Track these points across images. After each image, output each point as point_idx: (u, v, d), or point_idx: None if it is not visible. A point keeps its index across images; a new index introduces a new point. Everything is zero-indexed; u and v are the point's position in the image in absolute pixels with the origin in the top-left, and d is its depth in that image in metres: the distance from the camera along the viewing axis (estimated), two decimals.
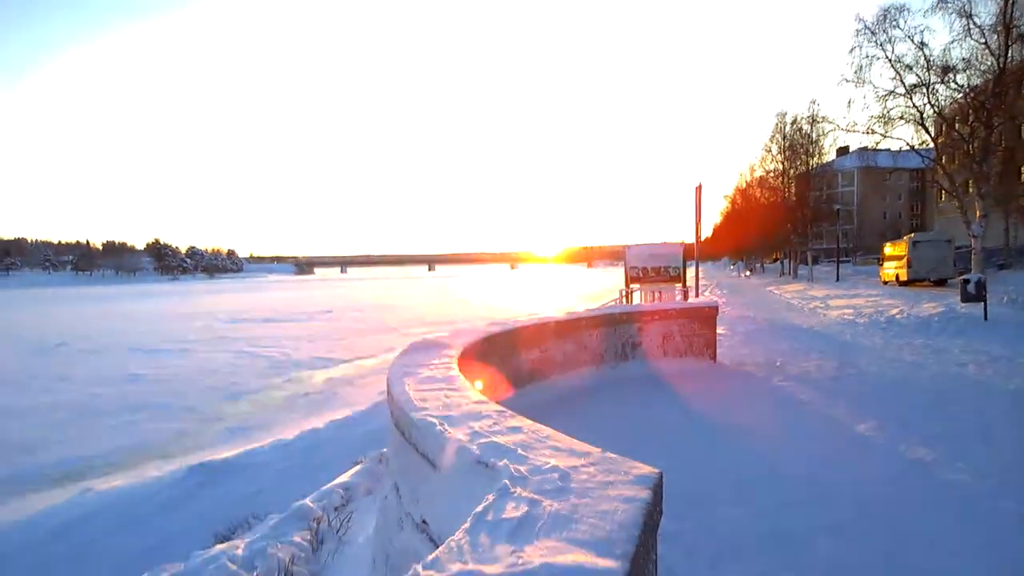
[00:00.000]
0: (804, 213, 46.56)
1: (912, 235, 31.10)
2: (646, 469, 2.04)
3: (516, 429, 2.59)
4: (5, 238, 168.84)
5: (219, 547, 4.58)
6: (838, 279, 39.54)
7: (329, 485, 5.46)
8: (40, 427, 11.83)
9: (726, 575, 3.45)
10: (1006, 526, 3.98)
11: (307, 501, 4.87)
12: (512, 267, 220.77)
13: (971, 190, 24.23)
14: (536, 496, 1.84)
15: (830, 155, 49.38)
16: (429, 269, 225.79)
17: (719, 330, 11.30)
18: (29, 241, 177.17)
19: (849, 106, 27.03)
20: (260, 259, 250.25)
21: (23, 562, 5.97)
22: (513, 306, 41.11)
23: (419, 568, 1.41)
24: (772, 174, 51.53)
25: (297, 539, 4.09)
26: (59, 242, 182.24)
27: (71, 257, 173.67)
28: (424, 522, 2.62)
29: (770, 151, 50.80)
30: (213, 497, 7.08)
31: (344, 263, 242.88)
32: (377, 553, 3.51)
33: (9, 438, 10.99)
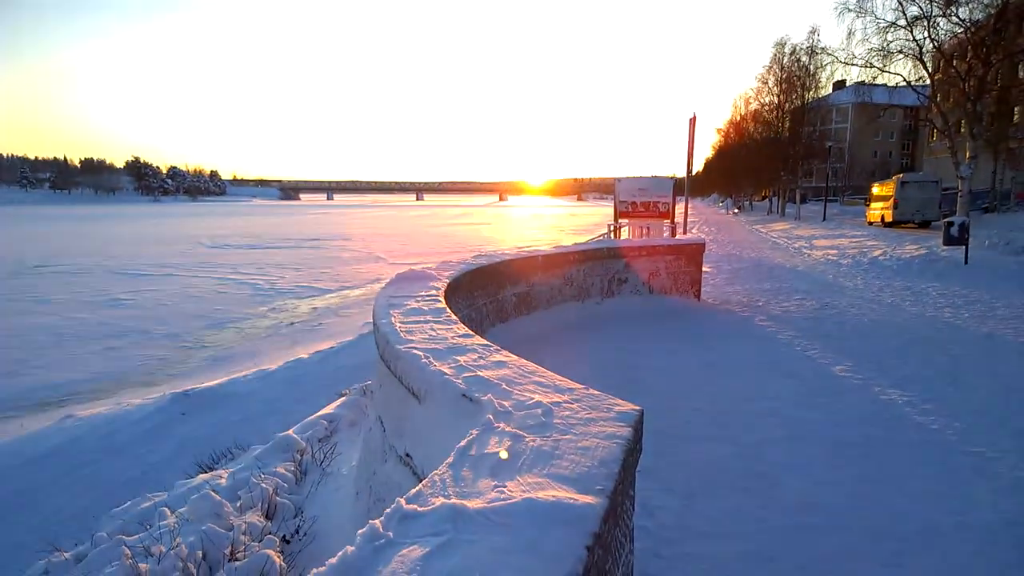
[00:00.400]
0: (796, 149, 46.21)
1: (901, 175, 31.04)
2: (627, 406, 2.06)
3: (501, 364, 2.60)
4: None
5: (202, 477, 4.64)
6: (824, 219, 39.65)
7: (313, 416, 5.51)
8: (19, 350, 11.77)
9: (699, 511, 3.54)
10: (969, 468, 4.11)
11: (291, 432, 4.91)
12: (501, 198, 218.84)
13: (963, 130, 24.09)
14: (519, 431, 1.85)
15: (827, 89, 48.67)
16: (417, 198, 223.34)
17: (704, 268, 11.35)
18: (5, 156, 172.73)
19: (849, 37, 26.38)
20: (244, 182, 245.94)
21: (3, 488, 6.02)
22: (501, 237, 41.00)
23: (402, 501, 1.42)
24: (767, 107, 50.83)
25: (280, 470, 4.14)
26: (36, 158, 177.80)
27: (48, 174, 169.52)
28: (408, 455, 2.65)
29: (766, 83, 49.91)
30: (196, 426, 7.12)
31: (331, 189, 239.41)
32: (360, 485, 3.57)
33: None
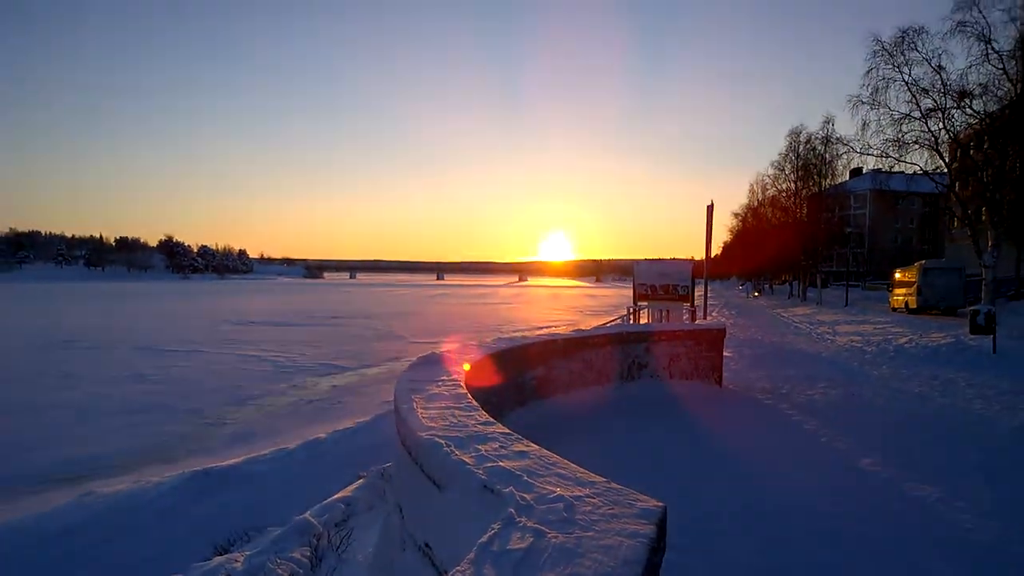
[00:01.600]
0: (815, 234, 46.39)
1: (923, 262, 30.94)
2: (650, 503, 2.05)
3: (522, 454, 2.60)
4: (20, 231, 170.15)
5: (218, 559, 4.58)
6: (847, 303, 39.35)
7: (330, 499, 5.46)
8: (43, 426, 11.87)
9: None
10: (1010, 570, 3.95)
11: (308, 515, 4.87)
12: (520, 278, 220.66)
13: (984, 218, 24.10)
14: (541, 527, 1.85)
15: (844, 176, 49.19)
16: (438, 278, 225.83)
17: (725, 352, 11.27)
18: (43, 234, 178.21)
19: (864, 128, 26.74)
20: (270, 260, 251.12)
21: (18, 567, 5.97)
22: (520, 318, 41.09)
23: None
24: (784, 193, 51.35)
25: (296, 555, 4.09)
26: (72, 236, 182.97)
27: (83, 252, 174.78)
28: (427, 546, 2.63)
29: (783, 170, 50.59)
30: (213, 505, 7.07)
31: (353, 267, 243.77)
32: (377, 574, 3.52)
33: (11, 437, 11.03)
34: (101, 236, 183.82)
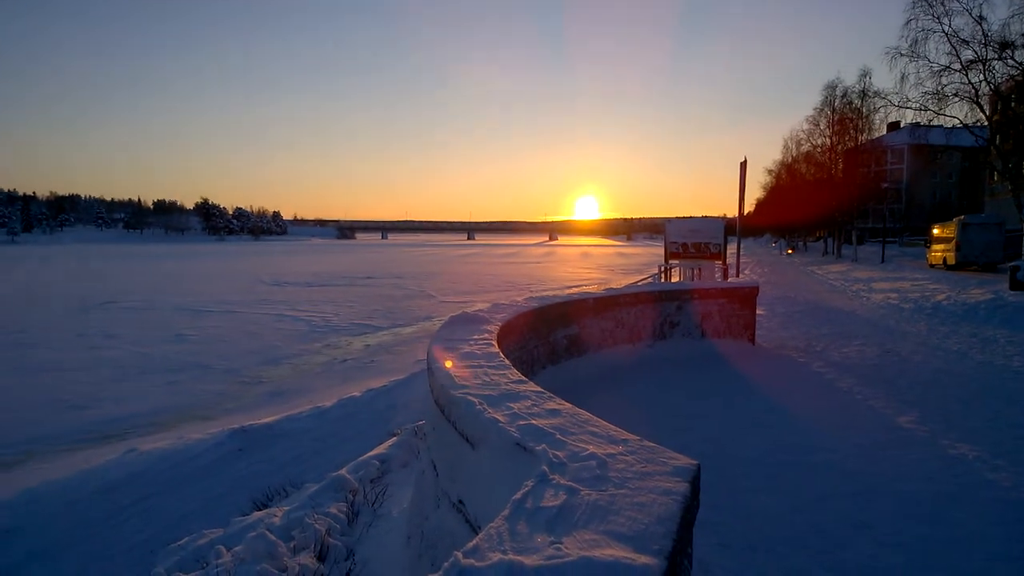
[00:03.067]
0: (851, 190, 45.28)
1: (962, 217, 30.08)
2: (684, 460, 2.03)
3: (555, 412, 2.59)
4: (60, 194, 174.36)
5: (257, 514, 4.71)
6: (883, 260, 38.53)
7: (365, 456, 5.57)
8: (87, 384, 12.25)
9: (759, 569, 3.42)
10: None
11: (343, 472, 4.97)
12: (550, 237, 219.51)
13: None
14: (574, 484, 1.84)
15: (880, 131, 47.74)
16: (469, 237, 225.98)
17: (758, 310, 11.13)
18: (83, 197, 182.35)
19: (902, 81, 25.80)
20: (303, 221, 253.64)
21: (67, 521, 6.22)
22: (551, 277, 41.05)
23: (459, 556, 1.43)
24: (819, 149, 50.13)
25: (333, 510, 4.19)
26: (112, 199, 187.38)
27: (123, 214, 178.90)
28: (461, 502, 2.66)
29: (818, 125, 49.31)
30: (251, 462, 7.28)
31: (385, 228, 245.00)
32: (412, 530, 3.58)
33: (57, 395, 11.40)
34: (139, 199, 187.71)
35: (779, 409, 6.76)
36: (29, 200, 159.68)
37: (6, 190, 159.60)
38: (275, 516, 4.27)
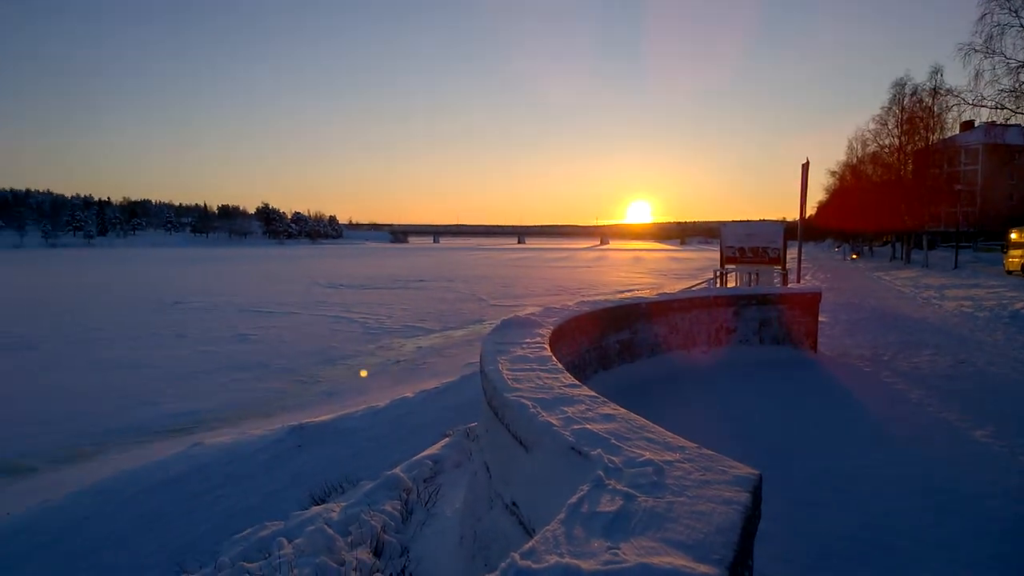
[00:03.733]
0: (920, 193, 43.54)
1: None
2: (745, 470, 1.97)
3: (609, 417, 2.56)
4: (133, 199, 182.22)
5: (315, 509, 4.82)
6: (956, 266, 36.93)
7: (418, 456, 5.62)
8: (157, 381, 12.76)
9: None
10: None
11: (398, 471, 5.04)
12: (602, 241, 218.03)
13: None
14: (631, 490, 1.81)
15: (953, 130, 45.79)
16: (519, 241, 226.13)
17: (821, 317, 10.79)
18: (153, 203, 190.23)
19: (976, 78, 24.68)
20: (358, 226, 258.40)
21: (137, 510, 6.47)
22: (602, 281, 40.80)
23: (516, 557, 1.42)
24: (887, 149, 48.36)
25: (388, 508, 4.25)
26: (179, 204, 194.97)
27: (189, 219, 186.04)
28: (514, 504, 2.64)
29: (885, 124, 47.49)
30: (309, 459, 7.44)
31: (437, 232, 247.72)
32: (465, 530, 3.59)
33: (130, 390, 11.91)
34: (205, 204, 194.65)
35: (843, 420, 6.53)
36: (104, 205, 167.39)
37: (83, 196, 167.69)
38: (332, 511, 4.35)
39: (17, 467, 8.41)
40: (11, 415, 10.35)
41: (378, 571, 3.39)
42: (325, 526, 3.63)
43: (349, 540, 3.64)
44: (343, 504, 4.58)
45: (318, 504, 5.20)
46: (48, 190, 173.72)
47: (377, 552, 3.63)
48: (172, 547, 5.72)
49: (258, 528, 4.61)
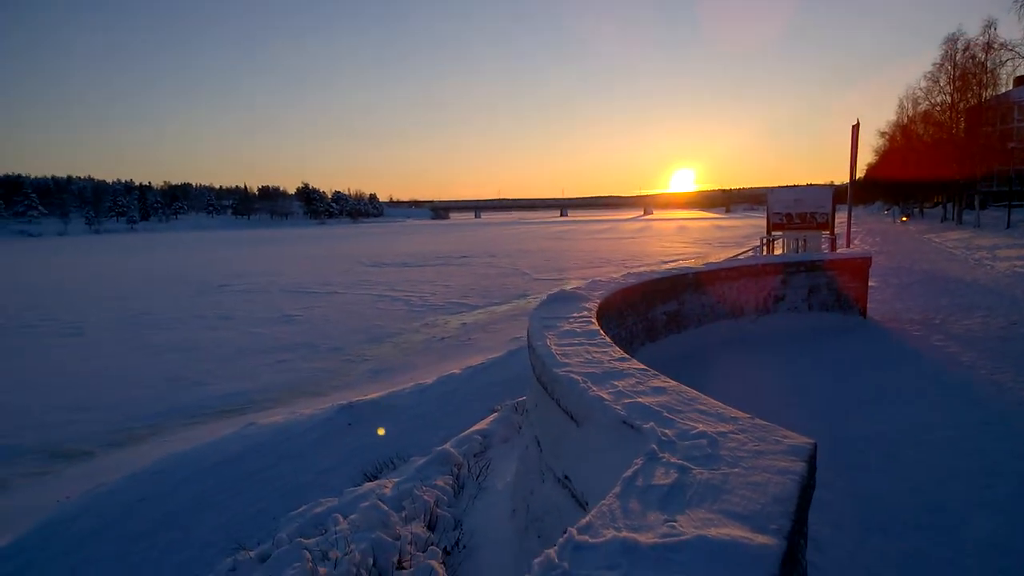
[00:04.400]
0: (973, 151, 41.91)
1: None
2: (799, 439, 1.97)
3: (660, 390, 2.56)
4: (174, 183, 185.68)
5: (368, 485, 4.94)
6: (1009, 226, 35.57)
7: (468, 431, 5.71)
8: (206, 362, 13.13)
9: (874, 549, 3.28)
10: None
11: (448, 446, 5.12)
12: (645, 212, 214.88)
13: None
14: (685, 463, 1.82)
15: (1007, 86, 43.85)
16: (562, 214, 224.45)
17: (870, 282, 10.53)
18: (194, 186, 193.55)
19: None
20: (399, 203, 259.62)
21: (193, 490, 6.70)
22: (647, 252, 40.44)
23: (574, 532, 1.45)
24: (938, 108, 46.59)
25: (439, 483, 4.34)
26: (220, 187, 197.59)
27: (230, 201, 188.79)
28: (566, 478, 2.68)
29: (937, 82, 45.76)
30: (359, 436, 7.60)
31: (478, 207, 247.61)
32: (517, 503, 3.65)
33: (180, 373, 12.28)
34: (246, 186, 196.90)
35: (893, 385, 6.41)
36: (145, 190, 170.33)
37: (124, 181, 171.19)
38: (385, 487, 4.46)
39: (72, 452, 8.74)
40: (64, 400, 10.76)
41: (432, 544, 3.47)
42: (379, 502, 3.73)
43: (403, 515, 3.74)
44: (395, 480, 4.69)
45: (370, 480, 5.33)
46: (89, 176, 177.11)
47: (431, 526, 3.72)
48: (229, 526, 5.92)
49: (313, 505, 4.74)
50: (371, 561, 3.15)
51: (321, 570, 2.95)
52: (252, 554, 4.10)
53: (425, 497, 3.91)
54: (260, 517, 5.94)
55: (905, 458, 4.46)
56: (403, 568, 3.13)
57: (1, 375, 12.76)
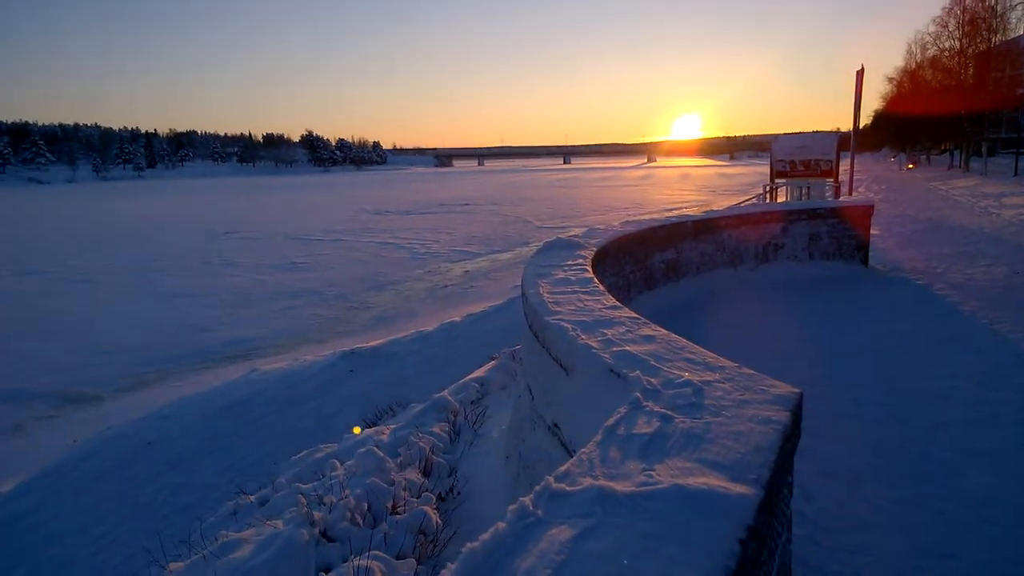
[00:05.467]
0: (982, 97, 41.07)
1: None
2: (785, 388, 1.96)
3: (649, 338, 2.56)
4: (179, 131, 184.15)
5: (367, 431, 5.01)
6: (1016, 173, 35.05)
7: (466, 379, 5.75)
8: (212, 308, 13.21)
9: (865, 498, 3.30)
10: None
11: (445, 393, 5.16)
12: (649, 159, 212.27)
13: None
14: (668, 412, 1.82)
15: (1017, 31, 42.73)
16: (565, 161, 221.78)
17: (873, 231, 10.44)
18: (199, 133, 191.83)
19: None
20: (402, 151, 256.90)
21: (199, 434, 6.82)
22: (649, 200, 40.14)
23: (550, 480, 1.45)
24: (947, 53, 45.53)
25: (436, 430, 4.39)
26: (225, 134, 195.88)
27: (235, 149, 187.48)
28: (556, 425, 2.70)
29: (946, 26, 44.62)
30: (360, 382, 7.68)
31: (481, 155, 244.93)
32: (511, 450, 3.70)
33: (187, 319, 12.37)
34: (250, 134, 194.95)
35: (892, 334, 6.41)
36: (151, 137, 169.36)
37: (130, 128, 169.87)
38: (383, 434, 4.52)
39: (83, 396, 8.90)
40: (74, 346, 10.90)
41: (427, 490, 3.53)
42: (375, 448, 3.78)
43: (399, 461, 3.79)
44: (393, 427, 4.75)
45: (369, 427, 5.40)
46: (96, 124, 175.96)
47: (426, 472, 3.78)
48: (234, 469, 6.04)
49: (313, 450, 4.83)
50: (366, 506, 3.20)
51: (316, 515, 3.00)
52: (252, 498, 4.19)
53: (421, 444, 3.96)
54: (264, 462, 6.05)
55: (898, 408, 4.47)
56: (397, 513, 3.19)
57: (16, 321, 12.90)
